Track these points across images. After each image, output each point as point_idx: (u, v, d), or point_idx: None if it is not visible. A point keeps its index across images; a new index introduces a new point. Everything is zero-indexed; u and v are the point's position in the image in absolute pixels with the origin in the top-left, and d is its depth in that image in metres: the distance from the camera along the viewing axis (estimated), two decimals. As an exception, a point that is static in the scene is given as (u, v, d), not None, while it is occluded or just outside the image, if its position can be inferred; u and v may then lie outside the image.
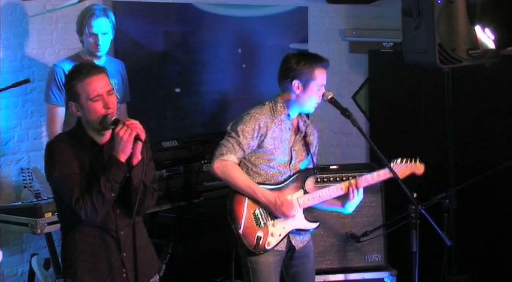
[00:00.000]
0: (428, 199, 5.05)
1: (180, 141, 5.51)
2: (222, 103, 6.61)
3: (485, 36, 5.10)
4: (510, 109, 5.65)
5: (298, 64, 4.63)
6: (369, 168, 5.19)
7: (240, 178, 4.61)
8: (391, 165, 4.70)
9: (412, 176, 4.79)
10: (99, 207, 3.86)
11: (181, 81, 6.68)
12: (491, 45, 5.11)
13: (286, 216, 4.63)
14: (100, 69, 3.97)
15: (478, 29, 5.09)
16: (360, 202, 4.75)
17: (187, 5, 6.57)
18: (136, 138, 3.84)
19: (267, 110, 4.68)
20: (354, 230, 5.38)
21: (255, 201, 4.63)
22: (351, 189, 4.65)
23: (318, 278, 5.14)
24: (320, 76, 4.63)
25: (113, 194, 3.88)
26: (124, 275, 4.00)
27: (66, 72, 5.08)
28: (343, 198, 4.71)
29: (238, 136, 4.60)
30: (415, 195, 4.63)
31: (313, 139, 4.82)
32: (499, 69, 5.34)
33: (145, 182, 3.95)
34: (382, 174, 4.73)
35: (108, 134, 3.99)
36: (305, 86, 4.63)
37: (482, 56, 5.12)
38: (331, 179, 5.28)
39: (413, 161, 4.77)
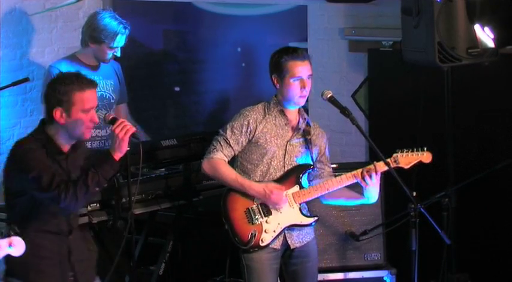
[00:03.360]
0: (427, 198, 5.06)
1: (180, 139, 5.50)
2: (221, 102, 6.62)
3: (485, 35, 5.10)
4: (509, 107, 5.65)
5: (273, 58, 4.70)
6: (392, 155, 5.16)
7: (227, 173, 4.66)
8: (397, 155, 4.71)
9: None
10: (80, 197, 3.89)
11: (180, 80, 6.68)
12: (491, 43, 5.11)
13: (277, 205, 4.63)
14: (94, 84, 4.06)
15: (477, 27, 5.09)
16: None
17: (186, 3, 6.58)
18: (134, 136, 3.87)
19: (260, 108, 4.74)
20: (353, 228, 5.38)
21: (247, 199, 4.66)
22: (363, 176, 4.63)
23: (318, 276, 5.14)
24: (294, 69, 4.62)
25: (97, 189, 3.93)
26: (71, 278, 4.05)
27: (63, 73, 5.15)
28: (360, 188, 4.70)
29: (226, 133, 4.68)
30: (414, 193, 4.63)
31: (316, 139, 4.81)
32: (498, 68, 5.34)
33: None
34: (383, 166, 4.70)
35: (71, 143, 4.04)
36: (281, 79, 4.66)
37: (481, 55, 5.12)
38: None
39: (420, 150, 4.76)
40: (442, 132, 5.40)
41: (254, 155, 4.70)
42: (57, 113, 3.96)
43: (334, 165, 5.32)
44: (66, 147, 4.03)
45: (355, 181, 4.69)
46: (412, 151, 4.73)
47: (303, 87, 4.64)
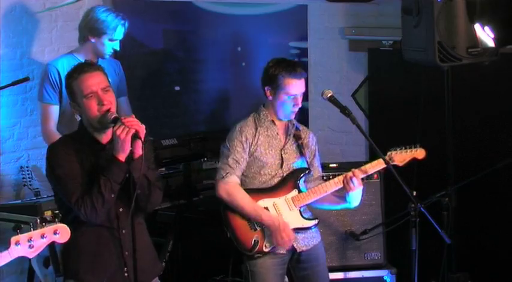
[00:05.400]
0: (427, 197, 5.06)
1: (180, 139, 5.50)
2: (221, 101, 6.61)
3: (485, 34, 5.10)
4: (509, 107, 5.65)
5: (269, 70, 4.67)
6: (386, 153, 5.17)
7: (246, 202, 4.64)
8: (391, 153, 4.71)
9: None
10: (99, 208, 3.88)
11: (180, 79, 6.67)
12: (491, 43, 5.11)
13: (282, 244, 4.61)
14: (95, 67, 4.01)
15: (477, 27, 5.09)
16: (363, 195, 4.74)
17: (186, 3, 6.57)
18: (135, 136, 3.84)
19: (251, 121, 4.74)
20: (353, 228, 5.38)
21: None
22: (345, 181, 4.64)
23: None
24: (290, 86, 4.62)
25: (112, 195, 3.89)
26: (126, 274, 4.01)
27: (59, 71, 5.16)
28: (344, 192, 4.70)
29: (232, 153, 4.66)
30: (414, 193, 4.64)
31: (307, 142, 4.82)
32: (498, 67, 5.33)
33: (148, 177, 3.96)
34: (377, 164, 4.73)
35: (110, 133, 3.99)
36: (275, 93, 4.67)
37: (481, 54, 5.12)
38: (331, 177, 5.28)
39: (413, 147, 4.77)
40: (442, 132, 5.40)
41: (252, 168, 4.70)
42: (72, 107, 4.02)
43: (334, 164, 5.34)
44: (104, 137, 4.01)
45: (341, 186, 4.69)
46: (406, 148, 4.75)
47: (296, 104, 4.65)
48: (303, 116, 6.29)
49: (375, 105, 6.30)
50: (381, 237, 5.41)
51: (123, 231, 4.00)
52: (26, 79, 5.47)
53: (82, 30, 5.41)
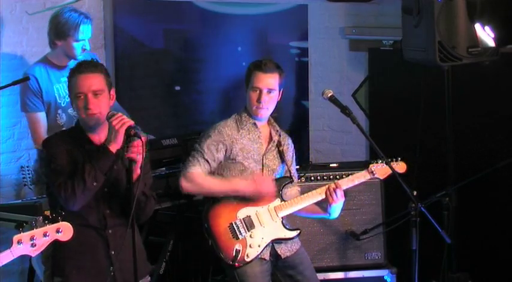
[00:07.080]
0: (428, 197, 5.06)
1: (180, 139, 5.50)
2: (221, 101, 6.61)
3: (485, 34, 5.10)
4: (509, 107, 5.65)
5: (246, 70, 4.74)
6: (368, 166, 5.19)
7: (210, 181, 4.62)
8: (374, 166, 4.72)
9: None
10: (79, 193, 3.90)
11: (180, 79, 6.68)
12: (491, 43, 5.11)
13: (268, 194, 4.60)
14: (92, 68, 4.05)
15: (477, 26, 5.08)
16: (344, 205, 4.74)
17: (187, 3, 6.58)
18: (130, 161, 3.86)
19: (232, 122, 4.72)
20: (353, 227, 5.38)
21: (230, 214, 4.61)
22: (328, 192, 4.63)
23: (318, 276, 5.14)
24: (254, 79, 4.64)
25: (95, 183, 3.91)
26: (112, 273, 4.03)
27: (37, 78, 5.16)
28: (325, 203, 4.69)
29: (203, 150, 4.63)
30: (415, 193, 4.64)
31: (287, 149, 4.81)
32: (498, 67, 5.33)
33: (146, 192, 4.02)
34: (360, 176, 4.74)
35: (103, 134, 4.03)
36: (246, 89, 4.69)
37: (482, 54, 5.11)
38: (331, 176, 5.28)
39: (393, 160, 4.78)
40: (442, 132, 5.40)
41: (233, 172, 4.68)
42: (71, 102, 4.12)
43: (334, 164, 5.34)
44: (97, 138, 4.05)
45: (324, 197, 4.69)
46: (387, 161, 4.74)
47: (258, 99, 4.63)
48: (303, 116, 6.31)
49: (375, 105, 6.29)
50: (381, 237, 5.41)
51: (110, 231, 4.04)
52: (26, 79, 5.47)
53: (49, 35, 5.39)
